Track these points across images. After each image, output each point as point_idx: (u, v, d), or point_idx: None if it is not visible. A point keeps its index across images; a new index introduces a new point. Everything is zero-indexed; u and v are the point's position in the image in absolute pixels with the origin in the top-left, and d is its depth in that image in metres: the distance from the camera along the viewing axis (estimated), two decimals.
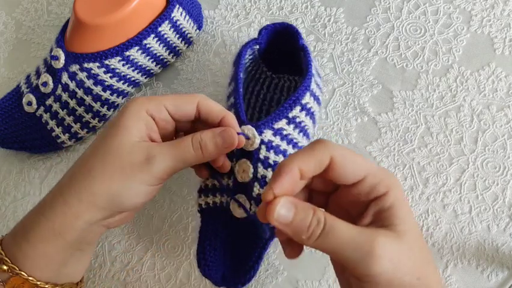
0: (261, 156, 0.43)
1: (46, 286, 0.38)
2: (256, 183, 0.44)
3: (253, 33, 0.58)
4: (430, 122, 0.51)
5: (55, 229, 0.37)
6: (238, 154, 0.44)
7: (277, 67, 0.53)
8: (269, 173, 0.44)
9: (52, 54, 0.53)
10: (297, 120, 0.45)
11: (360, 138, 0.52)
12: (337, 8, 0.58)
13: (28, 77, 0.57)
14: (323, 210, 0.33)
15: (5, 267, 0.37)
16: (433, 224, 0.48)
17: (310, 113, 0.47)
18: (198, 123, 0.42)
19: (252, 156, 0.44)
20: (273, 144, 0.44)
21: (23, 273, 0.37)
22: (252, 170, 0.43)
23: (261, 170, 0.43)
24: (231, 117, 0.41)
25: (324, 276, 0.48)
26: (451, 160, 0.50)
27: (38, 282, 0.38)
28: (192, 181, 0.53)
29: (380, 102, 0.53)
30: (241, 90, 0.46)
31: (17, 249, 0.38)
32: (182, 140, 0.39)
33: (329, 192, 0.38)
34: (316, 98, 0.48)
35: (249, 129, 0.43)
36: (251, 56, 0.51)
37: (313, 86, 0.47)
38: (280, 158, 0.44)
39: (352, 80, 0.54)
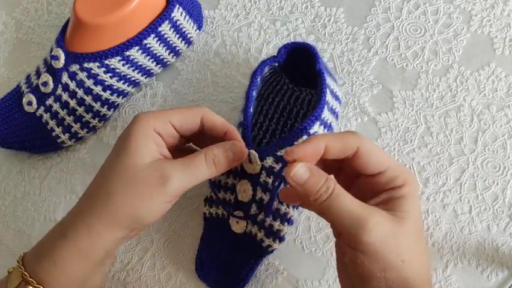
0: (261, 181, 0.45)
1: None
2: (253, 205, 0.46)
3: (253, 33, 0.58)
4: (430, 122, 0.51)
5: (81, 250, 0.39)
6: (241, 174, 0.46)
7: (299, 80, 0.53)
8: (267, 197, 0.45)
9: (52, 54, 0.53)
10: None
11: None
12: (337, 8, 0.58)
13: (28, 77, 0.57)
14: (335, 180, 0.36)
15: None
16: (433, 224, 0.48)
17: None
18: (202, 134, 0.44)
19: (252, 179, 0.45)
20: (274, 170, 0.45)
21: None
22: (251, 192, 0.45)
23: (259, 193, 0.45)
24: (234, 131, 0.43)
25: (324, 276, 0.48)
26: (451, 160, 0.50)
27: None
28: None
29: (380, 102, 0.53)
30: (250, 110, 0.47)
31: (42, 270, 0.39)
32: (195, 157, 0.40)
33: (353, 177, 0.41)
34: (327, 126, 0.48)
35: (253, 155, 0.44)
36: (272, 70, 0.51)
37: (324, 114, 0.47)
38: (280, 183, 0.45)
39: (352, 80, 0.54)
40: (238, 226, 0.47)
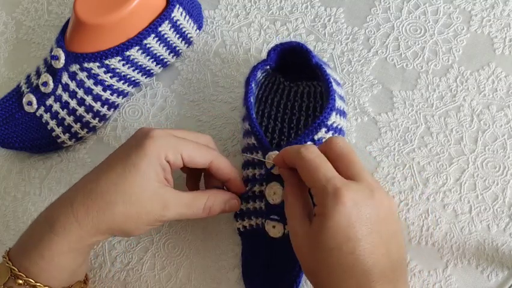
0: None
1: None
2: None
3: (253, 33, 0.58)
4: (430, 122, 0.51)
5: (71, 246, 0.40)
6: (268, 178, 0.46)
7: (292, 76, 0.53)
8: None
9: (52, 54, 0.53)
10: (323, 141, 0.45)
11: (360, 138, 0.52)
12: (337, 8, 0.58)
13: (28, 77, 0.57)
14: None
15: (20, 281, 0.40)
16: (433, 224, 0.48)
17: (338, 130, 0.47)
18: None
19: (281, 178, 0.45)
20: None
21: (39, 284, 0.40)
22: (282, 191, 0.45)
23: None
24: (236, 180, 0.46)
25: None
26: (451, 160, 0.50)
27: None
28: None
29: (380, 102, 0.53)
30: (254, 116, 0.47)
31: (31, 264, 0.40)
32: (197, 200, 0.44)
33: None
34: (341, 113, 0.48)
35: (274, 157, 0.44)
36: (264, 73, 0.51)
37: (337, 103, 0.47)
38: None
39: (352, 80, 0.54)
40: (275, 231, 0.46)
